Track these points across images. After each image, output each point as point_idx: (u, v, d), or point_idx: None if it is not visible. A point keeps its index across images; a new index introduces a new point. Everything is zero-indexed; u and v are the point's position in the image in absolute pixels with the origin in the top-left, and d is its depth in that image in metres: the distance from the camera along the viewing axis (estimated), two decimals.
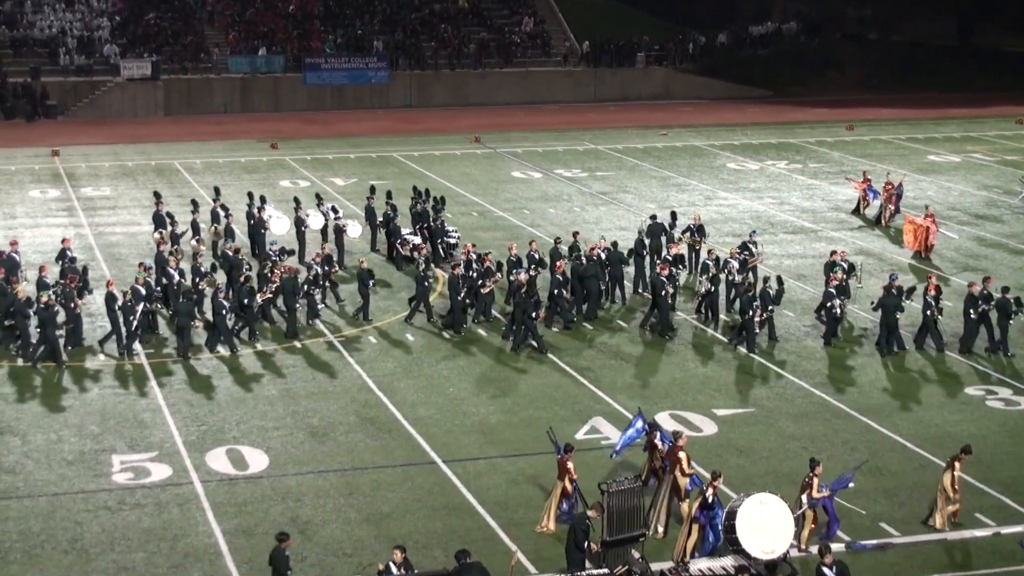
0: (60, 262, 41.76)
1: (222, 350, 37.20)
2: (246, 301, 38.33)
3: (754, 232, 45.13)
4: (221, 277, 40.27)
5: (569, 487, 26.51)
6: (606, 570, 24.07)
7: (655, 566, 24.37)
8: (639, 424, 27.94)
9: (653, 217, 46.23)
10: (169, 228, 46.04)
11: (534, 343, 37.61)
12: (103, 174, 63.57)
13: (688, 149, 71.47)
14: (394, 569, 22.49)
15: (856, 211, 54.80)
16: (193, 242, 44.92)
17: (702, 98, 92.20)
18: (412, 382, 35.23)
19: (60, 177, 62.55)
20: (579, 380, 35.38)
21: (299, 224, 47.08)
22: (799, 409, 33.41)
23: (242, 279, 38.87)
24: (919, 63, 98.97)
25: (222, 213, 47.34)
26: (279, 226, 47.51)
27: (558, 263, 40.18)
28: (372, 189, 50.22)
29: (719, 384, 35.24)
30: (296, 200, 48.75)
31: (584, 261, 40.66)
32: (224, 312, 37.21)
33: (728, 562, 24.65)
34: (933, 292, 37.49)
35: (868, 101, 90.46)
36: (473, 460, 30.22)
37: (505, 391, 34.60)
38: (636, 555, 24.73)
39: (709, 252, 41.09)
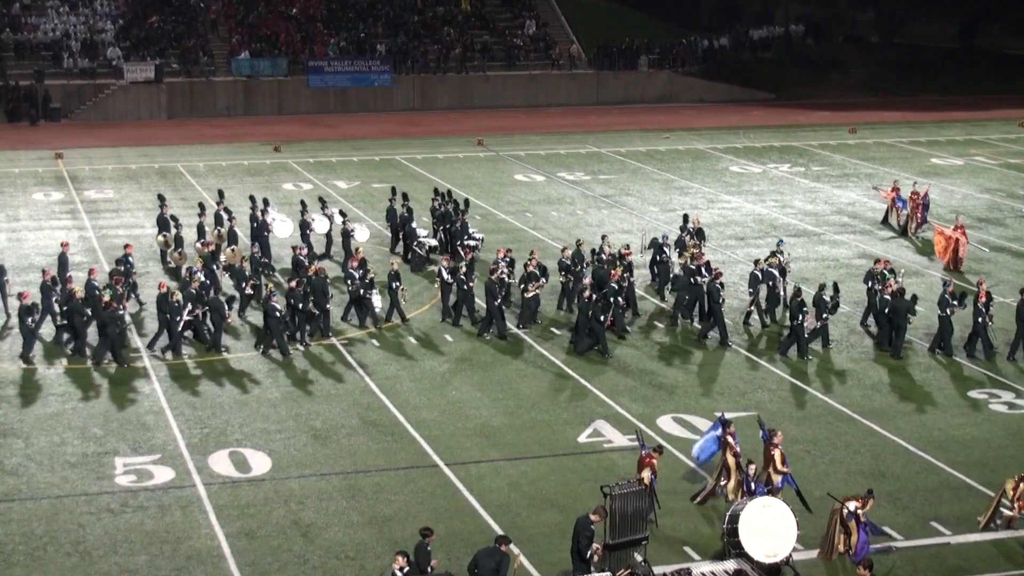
0: (125, 265, 41.76)
1: (274, 353, 37.26)
2: (300, 305, 38.30)
3: (781, 241, 44.27)
4: (268, 279, 40.58)
5: (648, 480, 26.63)
6: (609, 574, 24.05)
7: (657, 569, 24.35)
8: (718, 431, 28.07)
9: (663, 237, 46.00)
10: (173, 231, 46.08)
11: (599, 348, 37.51)
12: (106, 177, 63.61)
13: (691, 152, 71.48)
14: (398, 574, 22.49)
15: (885, 220, 53.69)
16: (198, 245, 45.00)
17: (705, 101, 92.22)
18: (414, 385, 35.24)
19: (63, 180, 62.59)
20: (581, 383, 35.38)
21: (304, 227, 47.11)
22: (802, 412, 33.42)
23: (294, 283, 38.67)
24: (922, 66, 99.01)
25: (225, 216, 47.39)
26: (283, 229, 47.53)
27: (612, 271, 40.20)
28: (393, 191, 50.28)
29: (721, 387, 35.24)
30: (303, 203, 48.79)
31: (605, 266, 40.72)
32: (277, 314, 37.20)
33: (730, 566, 24.64)
34: (984, 299, 37.44)
35: (871, 104, 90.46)
36: (475, 463, 30.24)
37: (507, 394, 34.61)
38: (639, 558, 24.73)
39: (756, 263, 40.54)
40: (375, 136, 76.77)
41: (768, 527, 24.42)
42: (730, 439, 27.77)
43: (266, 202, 48.73)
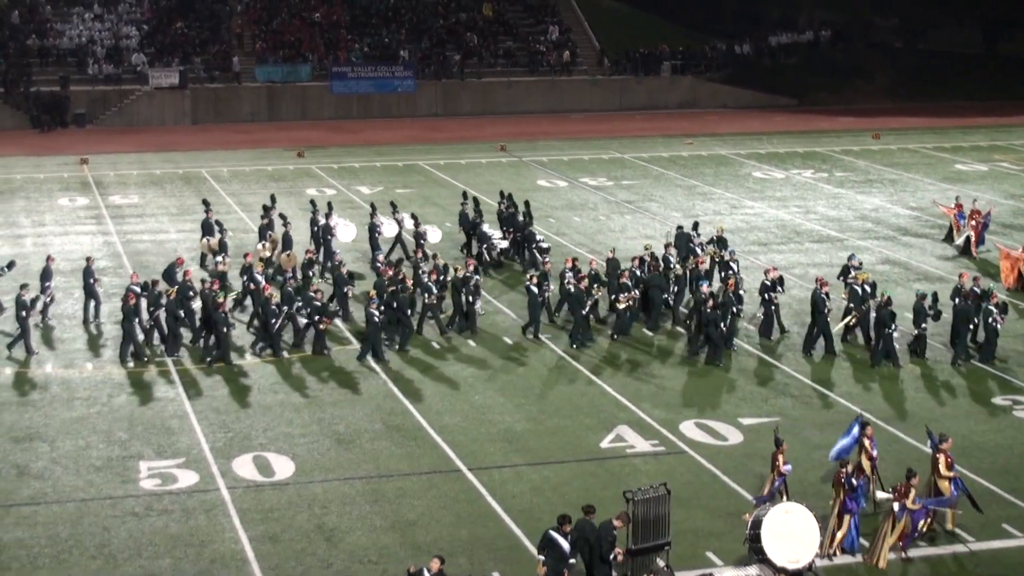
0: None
1: (371, 361, 37.36)
2: (407, 310, 38.63)
3: (852, 256, 43.24)
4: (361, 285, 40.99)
5: (775, 479, 27.04)
6: None
7: (680, 574, 24.37)
8: (855, 430, 28.11)
9: (679, 228, 46.28)
10: (218, 235, 46.15)
11: (715, 357, 37.42)
12: (131, 182, 63.89)
13: (714, 158, 71.43)
14: (427, 574, 22.51)
15: (948, 238, 51.41)
16: (259, 246, 45.28)
17: (728, 107, 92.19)
18: (437, 390, 35.31)
19: (88, 185, 62.89)
20: (604, 388, 35.41)
21: (372, 231, 47.21)
22: (824, 418, 33.37)
23: (392, 289, 38.82)
24: (946, 72, 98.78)
25: (279, 222, 47.57)
26: (346, 233, 47.70)
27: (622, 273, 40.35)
28: (465, 195, 50.61)
29: (744, 393, 35.23)
30: (372, 206, 48.97)
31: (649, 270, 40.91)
32: (376, 320, 37.34)
33: (753, 571, 24.63)
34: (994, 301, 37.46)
35: (895, 110, 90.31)
36: (498, 468, 30.28)
37: (531, 399, 34.65)
38: (661, 563, 24.74)
39: (855, 278, 39.92)
40: (398, 142, 76.94)
41: (791, 533, 24.40)
42: (867, 442, 27.82)
43: (330, 206, 48.89)
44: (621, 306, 39.43)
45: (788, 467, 27.20)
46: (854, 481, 26.23)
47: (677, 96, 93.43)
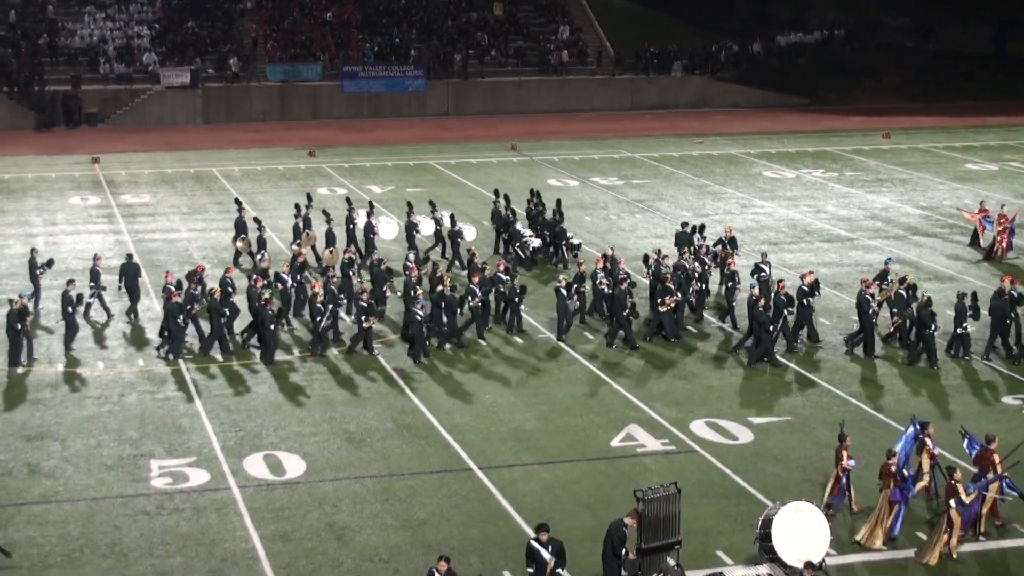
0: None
1: (423, 359, 37.46)
2: (457, 308, 38.71)
3: (889, 259, 43.30)
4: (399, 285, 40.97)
5: (840, 473, 27.38)
6: None
7: (690, 573, 24.39)
8: (910, 431, 28.21)
9: (683, 225, 46.29)
10: (256, 232, 46.05)
11: (765, 357, 37.33)
12: (142, 181, 64.01)
13: (724, 157, 71.41)
14: (437, 575, 22.57)
15: (974, 243, 50.72)
16: (294, 246, 45.46)
17: (739, 106, 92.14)
18: (448, 389, 35.34)
19: (100, 184, 63.01)
20: (615, 387, 35.43)
21: (410, 229, 47.31)
22: (835, 417, 33.29)
23: (441, 289, 38.79)
24: (956, 71, 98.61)
25: (323, 218, 47.69)
26: (388, 231, 47.84)
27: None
28: (496, 193, 50.67)
29: (755, 392, 35.23)
30: (409, 205, 49.12)
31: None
32: (419, 319, 37.37)
33: (763, 570, 24.65)
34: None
35: (905, 109, 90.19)
36: (509, 467, 30.31)
37: (541, 398, 34.68)
38: (671, 562, 24.76)
39: (902, 281, 39.62)
40: (409, 141, 76.99)
41: (801, 532, 24.42)
42: (928, 441, 27.91)
43: (371, 204, 49.03)
44: (664, 309, 39.09)
45: (852, 462, 27.43)
46: (905, 472, 26.42)
47: (688, 95, 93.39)
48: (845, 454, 27.40)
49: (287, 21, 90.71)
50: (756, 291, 37.89)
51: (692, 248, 43.44)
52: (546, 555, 23.43)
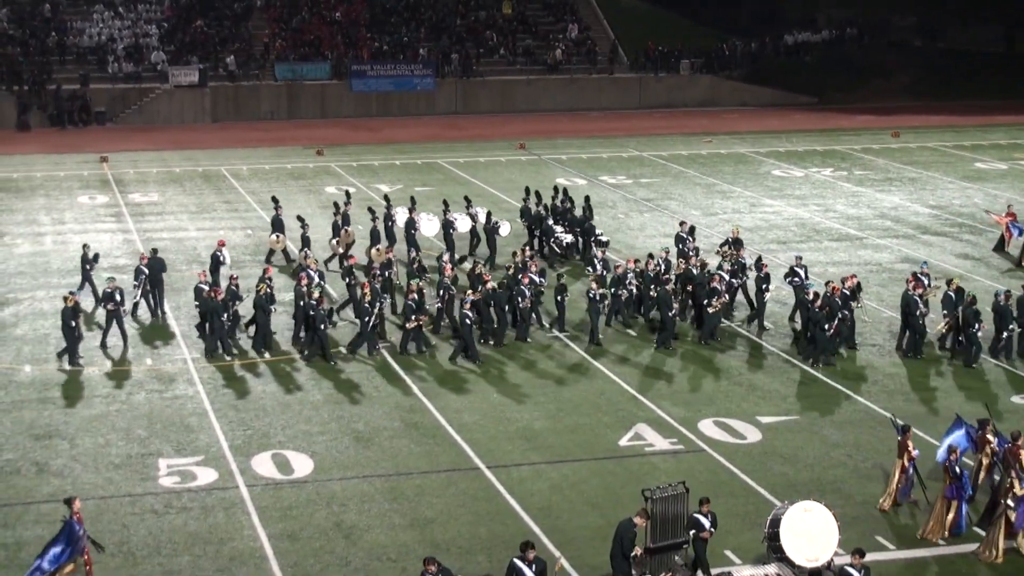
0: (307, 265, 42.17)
1: (468, 362, 37.38)
2: (506, 305, 38.75)
3: (925, 263, 43.18)
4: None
5: (906, 464, 27.64)
6: None
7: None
8: (963, 429, 28.51)
9: (682, 224, 46.20)
10: (301, 230, 46.07)
11: (824, 356, 37.26)
12: (151, 180, 64.05)
13: (733, 156, 71.35)
14: None
15: (1000, 248, 49.83)
16: (333, 242, 45.44)
17: (747, 105, 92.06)
18: (456, 387, 35.33)
19: (108, 183, 63.05)
20: (623, 387, 35.40)
21: (447, 227, 47.33)
22: (843, 417, 33.34)
23: (493, 287, 38.82)
24: (965, 70, 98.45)
25: (368, 216, 47.70)
26: (429, 227, 47.85)
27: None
28: (527, 190, 50.70)
29: (763, 391, 35.19)
30: (444, 203, 49.21)
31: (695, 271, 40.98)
32: (469, 322, 37.28)
33: (772, 570, 24.63)
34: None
35: (914, 108, 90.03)
36: (517, 466, 30.30)
37: (549, 397, 34.66)
38: (680, 562, 24.75)
39: (949, 283, 39.09)
40: (417, 140, 76.97)
41: (810, 531, 24.38)
42: (990, 438, 28.17)
43: (413, 200, 49.03)
44: (712, 311, 38.84)
45: (917, 451, 27.91)
46: (958, 469, 26.62)
47: (696, 94, 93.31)
48: (910, 444, 27.75)
49: (295, 20, 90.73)
50: (814, 291, 37.77)
51: (681, 248, 43.52)
52: (529, 574, 22.96)
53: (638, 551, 24.01)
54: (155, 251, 43.09)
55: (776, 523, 24.64)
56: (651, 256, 41.78)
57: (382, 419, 32.99)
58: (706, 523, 24.49)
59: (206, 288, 38.56)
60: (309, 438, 31.74)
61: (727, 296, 39.77)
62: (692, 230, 45.89)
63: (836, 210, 57.31)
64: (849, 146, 74.74)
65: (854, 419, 33.13)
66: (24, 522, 27.24)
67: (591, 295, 38.95)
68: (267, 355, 37.61)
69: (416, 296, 38.14)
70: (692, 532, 24.53)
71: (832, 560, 24.64)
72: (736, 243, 44.29)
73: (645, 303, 40.81)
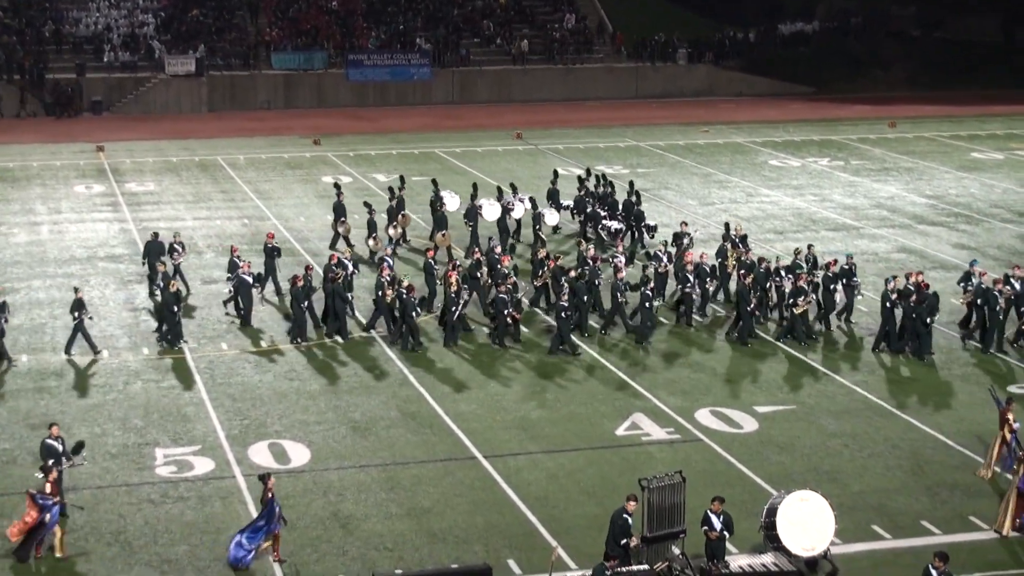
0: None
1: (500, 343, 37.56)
2: (584, 296, 38.63)
3: (974, 262, 41.65)
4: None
5: (1008, 436, 28.04)
6: (646, 566, 24.09)
7: (695, 562, 24.39)
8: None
9: (683, 224, 45.99)
10: (368, 216, 46.02)
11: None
12: (147, 169, 63.98)
13: (730, 146, 71.32)
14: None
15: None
16: (391, 231, 45.77)
17: (744, 95, 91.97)
18: (453, 377, 35.32)
19: (105, 172, 62.98)
20: (620, 376, 35.40)
21: (503, 212, 47.36)
22: (840, 406, 33.35)
23: (575, 275, 38.81)
24: (962, 61, 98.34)
25: (439, 202, 47.79)
26: (492, 212, 47.58)
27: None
28: (555, 173, 50.90)
29: (760, 381, 35.20)
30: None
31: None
32: (564, 315, 36.97)
33: (768, 559, 24.65)
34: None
35: (911, 98, 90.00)
36: (514, 455, 30.30)
37: (546, 387, 34.65)
38: (677, 551, 24.76)
39: (972, 277, 39.12)
40: (414, 129, 76.91)
41: (806, 521, 24.39)
42: (1010, 416, 28.55)
43: (475, 186, 49.05)
44: (798, 311, 38.05)
45: (1019, 424, 28.29)
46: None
47: (693, 84, 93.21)
48: (1011, 416, 28.15)
49: (292, 9, 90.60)
50: (896, 284, 37.49)
51: (665, 244, 43.40)
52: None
53: (635, 540, 24.02)
54: (155, 235, 43.07)
55: (773, 512, 24.64)
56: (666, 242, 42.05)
57: (379, 409, 32.98)
58: (717, 523, 24.43)
59: (240, 263, 39.17)
60: (306, 427, 31.74)
61: (813, 297, 38.60)
62: (744, 238, 44.05)
63: (833, 200, 57.29)
64: (846, 136, 74.71)
65: (851, 409, 33.14)
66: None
67: (621, 285, 38.68)
68: (339, 340, 37.90)
69: (510, 289, 37.79)
70: (704, 528, 24.52)
71: (828, 549, 24.66)
72: (742, 240, 43.46)
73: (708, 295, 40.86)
